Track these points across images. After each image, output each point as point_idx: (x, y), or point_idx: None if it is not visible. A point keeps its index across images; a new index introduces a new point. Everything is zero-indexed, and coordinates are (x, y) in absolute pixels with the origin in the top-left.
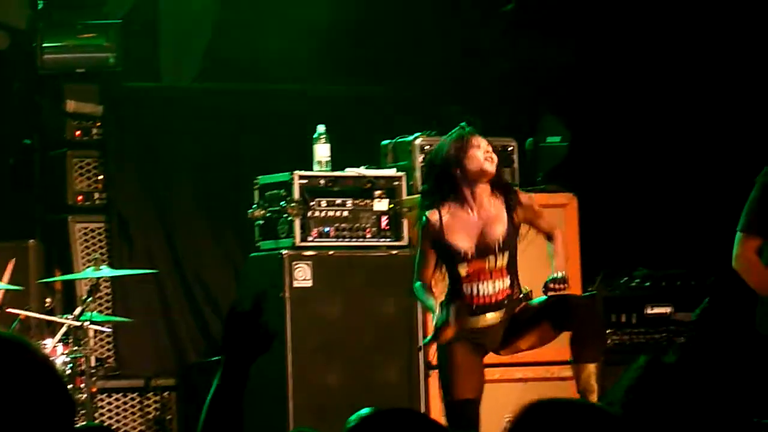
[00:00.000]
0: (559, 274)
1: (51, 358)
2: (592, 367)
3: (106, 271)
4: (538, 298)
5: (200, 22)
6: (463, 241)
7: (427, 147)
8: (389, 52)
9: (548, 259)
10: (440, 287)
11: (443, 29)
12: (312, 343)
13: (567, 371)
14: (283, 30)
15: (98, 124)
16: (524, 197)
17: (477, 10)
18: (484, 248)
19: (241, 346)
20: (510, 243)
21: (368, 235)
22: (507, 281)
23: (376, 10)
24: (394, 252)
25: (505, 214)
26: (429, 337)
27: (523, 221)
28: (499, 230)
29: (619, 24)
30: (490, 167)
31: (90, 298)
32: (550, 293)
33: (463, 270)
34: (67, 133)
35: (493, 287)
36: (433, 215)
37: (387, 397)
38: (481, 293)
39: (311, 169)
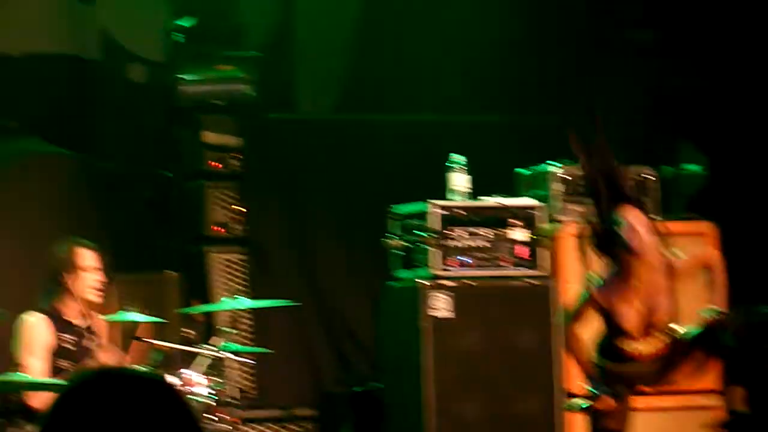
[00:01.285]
0: (715, 307)
1: (190, 389)
2: (741, 390)
3: (245, 302)
4: (690, 328)
5: (338, 53)
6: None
7: (564, 176)
8: (527, 81)
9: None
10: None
11: (580, 59)
12: (450, 373)
13: (707, 400)
14: (420, 60)
15: (236, 155)
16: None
17: (614, 39)
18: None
19: None
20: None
21: (506, 265)
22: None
23: (511, 40)
24: (532, 281)
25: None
26: (585, 404)
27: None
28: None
29: (759, 47)
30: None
31: (230, 329)
32: (704, 323)
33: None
34: (204, 164)
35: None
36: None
37: (526, 430)
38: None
39: (449, 199)
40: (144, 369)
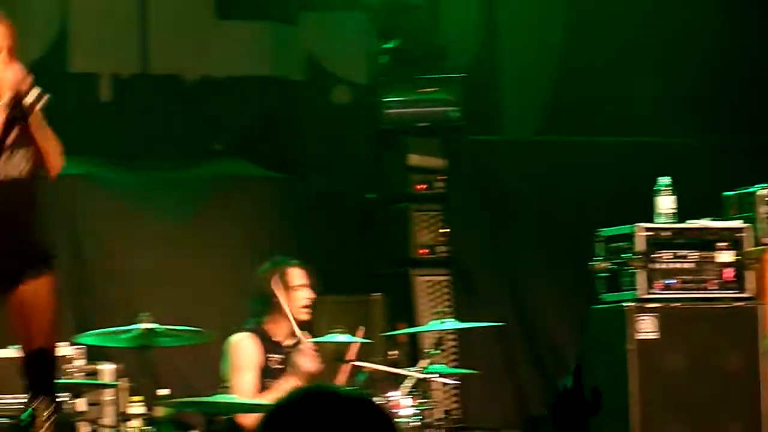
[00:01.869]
0: None
1: (396, 411)
2: None
3: (451, 324)
4: None
5: (542, 74)
6: None
7: None
8: (732, 101)
9: None
10: None
11: None
12: (655, 395)
13: None
14: (626, 80)
15: (441, 177)
16: None
17: None
18: None
19: (573, 406)
20: None
21: (712, 287)
22: None
23: (722, 59)
24: (739, 304)
25: None
26: None
27: None
28: None
29: None
30: None
31: (436, 351)
32: None
33: None
34: (409, 186)
35: None
36: None
37: None
38: None
39: (654, 221)
40: (352, 389)
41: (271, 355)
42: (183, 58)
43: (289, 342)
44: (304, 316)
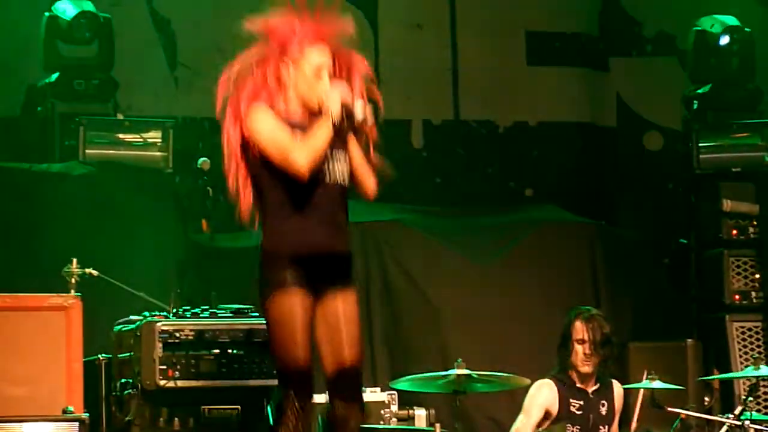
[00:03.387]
0: None
1: None
2: None
3: (766, 370)
4: None
5: None
6: None
7: None
8: None
9: None
10: None
11: None
12: None
13: None
14: None
15: (755, 223)
16: None
17: None
18: None
19: None
20: None
21: None
22: None
23: None
24: None
25: None
26: None
27: None
28: None
29: None
30: None
31: (750, 398)
32: None
33: None
34: (723, 232)
35: None
36: None
37: None
38: None
39: None
40: None
41: (572, 401)
42: (494, 104)
43: (591, 389)
44: (585, 369)
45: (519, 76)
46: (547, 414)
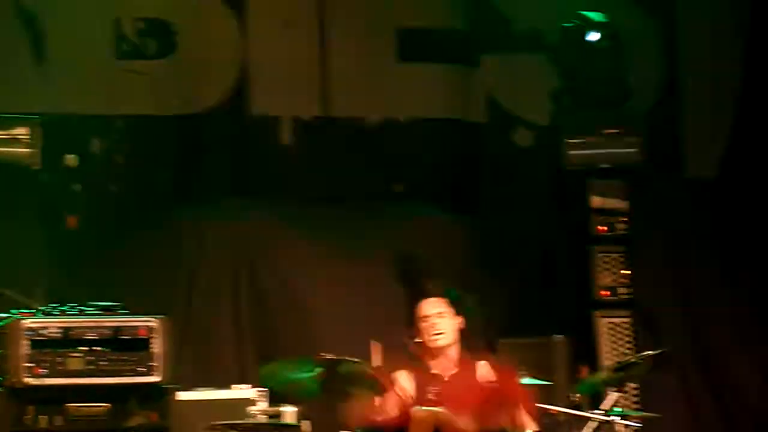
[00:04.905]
0: None
1: None
2: None
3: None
4: None
5: (724, 112)
6: None
7: None
8: None
9: None
10: None
11: None
12: None
13: None
14: None
15: (623, 219)
16: None
17: None
18: None
19: None
20: None
21: None
22: None
23: None
24: None
25: None
26: None
27: None
28: None
29: None
30: None
31: (618, 393)
32: None
33: None
34: (591, 228)
35: None
36: None
37: None
38: None
39: None
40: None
41: (429, 388)
42: (364, 101)
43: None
44: (434, 344)
45: (389, 72)
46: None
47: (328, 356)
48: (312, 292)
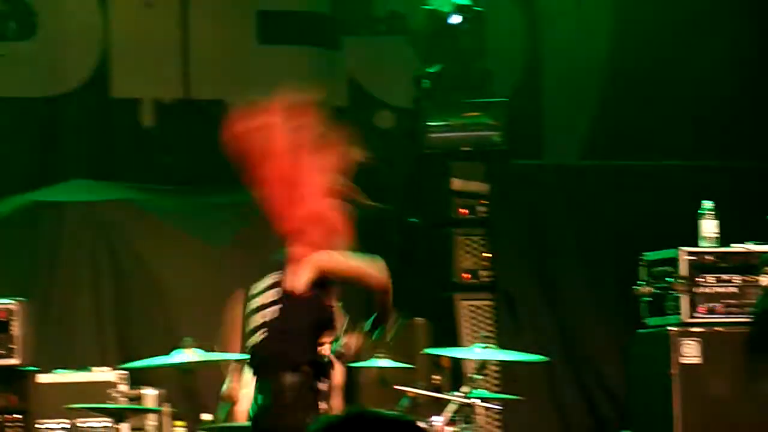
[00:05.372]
0: None
1: None
2: None
3: (492, 353)
4: None
5: (584, 98)
6: None
7: None
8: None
9: None
10: None
11: None
12: (698, 420)
13: None
14: (667, 105)
15: (484, 202)
16: None
17: None
18: None
19: None
20: None
21: None
22: None
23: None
24: None
25: None
26: None
27: None
28: None
29: None
30: None
31: (478, 376)
32: None
33: None
34: (452, 211)
35: None
36: None
37: None
38: None
39: (698, 245)
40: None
41: None
42: (225, 83)
43: None
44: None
45: (250, 54)
46: None
47: None
48: (171, 273)
